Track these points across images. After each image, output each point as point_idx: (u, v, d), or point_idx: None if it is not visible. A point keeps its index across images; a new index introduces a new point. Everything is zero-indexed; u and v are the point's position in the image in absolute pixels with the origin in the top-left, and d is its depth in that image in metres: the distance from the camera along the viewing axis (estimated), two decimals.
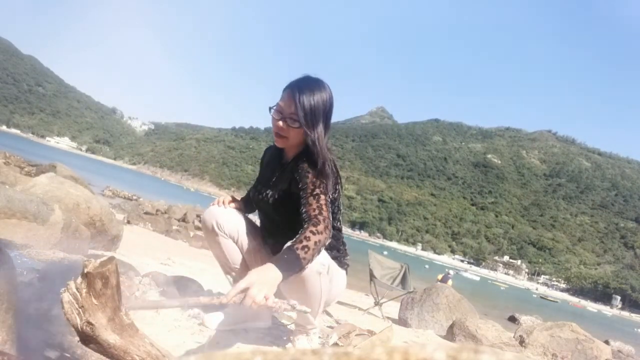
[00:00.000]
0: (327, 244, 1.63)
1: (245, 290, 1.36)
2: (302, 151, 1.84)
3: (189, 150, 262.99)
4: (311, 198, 1.69)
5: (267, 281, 1.40)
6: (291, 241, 1.56)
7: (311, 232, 1.57)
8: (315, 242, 1.56)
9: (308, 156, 1.79)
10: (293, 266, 1.51)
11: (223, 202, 2.06)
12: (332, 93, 1.86)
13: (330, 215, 1.68)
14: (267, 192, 1.95)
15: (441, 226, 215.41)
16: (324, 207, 1.67)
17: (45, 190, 3.24)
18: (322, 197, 1.69)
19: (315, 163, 1.76)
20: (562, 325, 4.95)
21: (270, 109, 1.84)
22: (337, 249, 1.96)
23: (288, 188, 1.85)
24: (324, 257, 1.76)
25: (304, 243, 1.54)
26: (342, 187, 1.90)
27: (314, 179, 1.73)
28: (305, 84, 1.80)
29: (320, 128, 1.79)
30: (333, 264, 1.89)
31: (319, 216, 1.63)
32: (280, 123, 1.80)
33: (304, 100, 1.75)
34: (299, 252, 1.52)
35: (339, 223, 1.96)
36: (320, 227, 1.60)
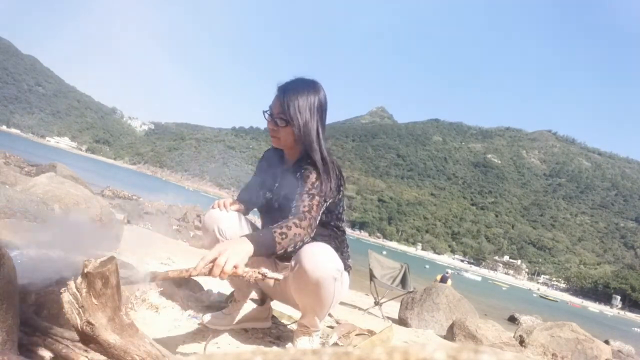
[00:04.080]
0: (305, 241, 1.61)
1: (213, 261, 1.35)
2: (303, 156, 1.86)
3: (189, 150, 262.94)
4: (305, 195, 1.69)
5: (237, 252, 1.39)
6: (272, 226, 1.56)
7: (294, 224, 1.57)
8: (295, 234, 1.55)
9: (310, 159, 1.81)
10: (267, 247, 1.50)
11: (224, 205, 2.03)
12: (324, 93, 1.88)
13: (318, 217, 1.68)
14: (271, 197, 1.96)
15: (441, 226, 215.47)
16: (314, 207, 1.67)
17: (45, 190, 3.24)
18: (317, 198, 1.69)
19: (316, 164, 1.77)
20: (562, 325, 4.95)
21: (264, 112, 1.90)
22: (341, 251, 1.95)
23: (291, 194, 1.86)
24: (339, 262, 1.75)
25: (284, 230, 1.54)
26: (344, 187, 1.90)
27: (315, 180, 1.74)
28: (293, 84, 1.85)
29: (311, 125, 1.81)
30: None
31: (307, 213, 1.63)
32: (270, 124, 1.87)
33: (289, 100, 1.80)
34: (276, 235, 1.52)
35: (342, 224, 1.97)
36: (305, 224, 1.60)
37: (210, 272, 1.34)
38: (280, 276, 1.40)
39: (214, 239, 1.94)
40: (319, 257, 1.69)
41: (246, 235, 1.48)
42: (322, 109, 1.86)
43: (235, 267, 1.35)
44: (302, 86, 1.84)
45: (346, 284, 1.95)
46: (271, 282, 1.47)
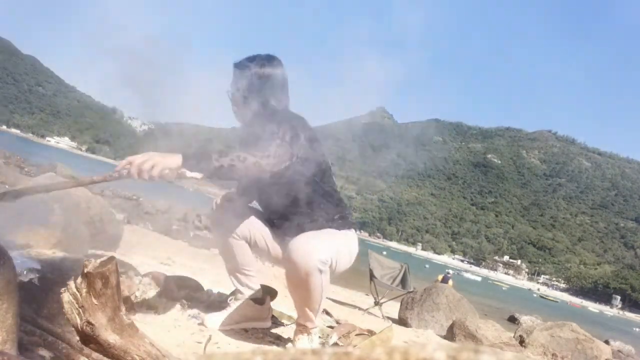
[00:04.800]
0: (255, 166, 1.62)
1: (132, 162, 1.37)
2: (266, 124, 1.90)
3: (189, 150, 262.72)
4: (267, 142, 1.73)
5: (160, 156, 1.42)
6: None
7: (249, 154, 1.61)
8: (239, 157, 1.58)
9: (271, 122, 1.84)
10: (201, 161, 1.52)
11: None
12: (282, 67, 1.95)
13: (280, 157, 1.70)
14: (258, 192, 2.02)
15: (441, 226, 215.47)
16: (274, 147, 1.69)
17: None
18: (279, 143, 1.72)
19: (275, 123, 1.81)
20: (562, 325, 4.95)
21: (227, 92, 1.98)
22: (341, 211, 1.99)
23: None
24: (324, 253, 1.77)
25: (229, 155, 1.57)
26: (318, 145, 1.92)
27: (273, 130, 1.78)
28: (247, 61, 1.93)
29: (268, 98, 1.88)
30: (340, 246, 1.90)
31: (264, 150, 1.67)
32: (233, 102, 1.96)
33: (245, 76, 1.89)
34: (215, 155, 1.54)
35: (332, 182, 2.02)
36: (259, 154, 1.64)
37: (129, 173, 1.38)
38: (198, 175, 1.43)
39: (224, 237, 2.01)
40: (304, 248, 1.74)
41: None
42: (278, 81, 1.92)
43: (153, 167, 1.38)
44: (258, 61, 1.90)
45: (351, 243, 1.97)
46: (191, 181, 1.48)
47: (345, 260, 1.95)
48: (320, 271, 1.76)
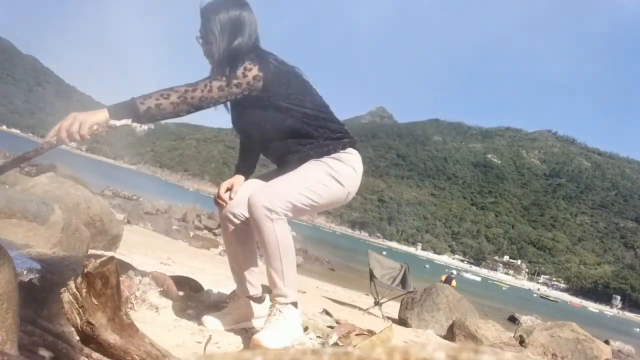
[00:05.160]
0: (184, 105, 1.61)
1: (60, 127, 1.39)
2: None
3: (189, 150, 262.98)
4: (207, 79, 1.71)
5: (85, 114, 1.43)
6: None
7: (173, 89, 1.60)
8: (165, 96, 1.57)
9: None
10: (126, 107, 1.52)
11: (229, 189, 1.97)
12: (248, 7, 1.88)
13: (217, 93, 1.67)
14: (237, 122, 1.97)
15: (441, 226, 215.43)
16: (204, 85, 1.66)
17: (45, 190, 3.25)
18: (214, 81, 1.68)
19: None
20: (562, 325, 4.95)
21: (197, 38, 1.93)
22: (325, 133, 1.85)
23: (241, 103, 1.84)
24: (271, 199, 1.71)
25: (153, 95, 1.56)
26: (279, 64, 1.83)
27: (215, 69, 1.76)
28: (212, 4, 1.87)
29: (232, 39, 1.81)
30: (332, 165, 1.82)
31: (199, 83, 1.66)
32: (202, 48, 1.90)
33: (209, 19, 1.82)
34: (139, 99, 1.53)
35: (315, 101, 1.88)
36: (191, 87, 1.62)
37: (60, 138, 1.39)
38: (128, 121, 1.45)
39: (230, 225, 1.95)
40: (251, 200, 1.71)
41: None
42: (238, 22, 1.84)
43: (80, 124, 1.39)
44: (221, 3, 1.85)
45: (352, 170, 1.86)
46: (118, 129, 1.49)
47: (326, 191, 1.81)
48: (270, 219, 1.68)
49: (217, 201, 1.98)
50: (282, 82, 1.80)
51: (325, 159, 1.83)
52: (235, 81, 1.70)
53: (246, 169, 2.09)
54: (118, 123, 1.43)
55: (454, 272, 20.92)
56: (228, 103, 1.89)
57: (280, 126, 1.83)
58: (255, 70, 1.73)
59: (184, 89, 1.63)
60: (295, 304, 1.82)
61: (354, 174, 1.89)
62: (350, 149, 1.89)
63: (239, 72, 1.71)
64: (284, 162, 1.90)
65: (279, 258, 1.74)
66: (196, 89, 1.64)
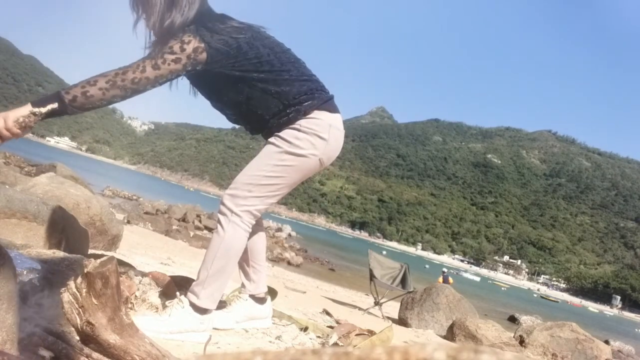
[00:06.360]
0: (112, 92, 1.50)
1: None
2: None
3: (189, 150, 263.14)
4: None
5: (8, 111, 1.41)
6: None
7: (101, 75, 1.51)
8: (92, 83, 1.49)
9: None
10: (51, 99, 1.47)
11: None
12: None
13: (141, 78, 1.53)
14: (211, 102, 1.86)
15: (441, 226, 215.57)
16: (136, 66, 1.53)
17: (45, 190, 3.24)
18: (147, 60, 1.55)
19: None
20: (562, 325, 4.95)
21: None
22: (288, 98, 1.68)
23: (199, 78, 1.74)
24: (237, 199, 1.70)
25: (79, 84, 1.50)
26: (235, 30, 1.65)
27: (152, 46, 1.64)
28: None
29: (148, 4, 1.62)
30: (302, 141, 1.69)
31: (125, 68, 1.54)
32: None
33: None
34: (63, 90, 1.49)
35: (281, 62, 1.69)
36: (112, 73, 1.51)
37: None
38: (54, 105, 1.44)
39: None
40: (222, 199, 1.76)
41: None
42: None
43: (4, 119, 1.38)
44: None
45: (330, 133, 1.72)
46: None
47: (288, 170, 1.72)
48: (229, 221, 1.71)
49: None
50: (233, 49, 1.61)
51: (284, 132, 1.71)
52: (171, 57, 1.55)
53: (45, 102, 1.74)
54: (43, 109, 1.42)
55: (445, 270, 21.07)
56: (175, 82, 1.69)
57: (240, 99, 1.71)
58: (195, 42, 1.56)
59: (114, 72, 1.52)
60: (201, 311, 1.77)
61: (318, 141, 1.71)
62: (315, 112, 1.71)
63: (176, 46, 1.56)
64: (266, 139, 1.83)
65: (211, 263, 1.74)
66: (127, 71, 1.52)
